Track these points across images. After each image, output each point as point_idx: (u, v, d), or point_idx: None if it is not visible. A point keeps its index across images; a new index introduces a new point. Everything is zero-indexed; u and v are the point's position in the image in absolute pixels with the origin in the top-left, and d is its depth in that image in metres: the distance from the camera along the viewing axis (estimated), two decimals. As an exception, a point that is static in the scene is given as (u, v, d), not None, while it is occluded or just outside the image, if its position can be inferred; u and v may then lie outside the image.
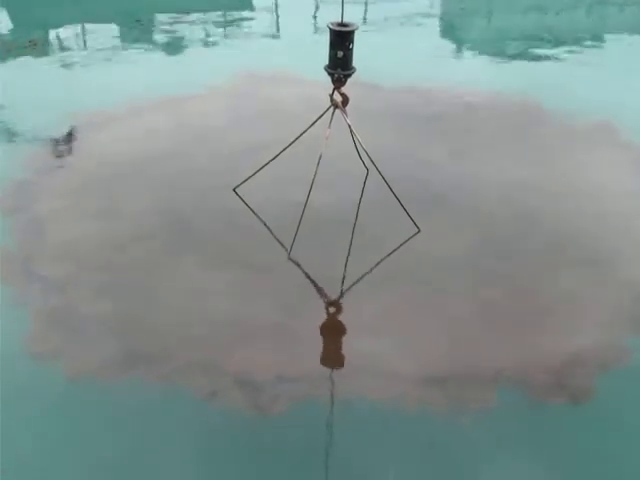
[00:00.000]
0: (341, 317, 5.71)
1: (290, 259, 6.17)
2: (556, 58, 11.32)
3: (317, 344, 5.47)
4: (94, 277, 5.91)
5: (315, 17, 13.05)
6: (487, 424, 4.76)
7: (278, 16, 13.14)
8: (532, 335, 5.48)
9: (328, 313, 5.73)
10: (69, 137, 8.21)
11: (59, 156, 7.84)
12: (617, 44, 12.21)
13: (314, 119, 6.52)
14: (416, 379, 5.07)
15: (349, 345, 5.45)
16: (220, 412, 4.78)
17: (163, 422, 4.72)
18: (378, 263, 6.19)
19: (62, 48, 11.09)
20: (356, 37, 6.02)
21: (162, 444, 4.59)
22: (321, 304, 5.80)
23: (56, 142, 8.08)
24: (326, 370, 5.26)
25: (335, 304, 5.81)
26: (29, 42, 10.96)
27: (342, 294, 5.90)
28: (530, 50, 11.60)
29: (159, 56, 10.87)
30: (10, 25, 12.18)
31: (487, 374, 5.12)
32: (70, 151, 7.96)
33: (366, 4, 13.74)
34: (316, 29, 12.41)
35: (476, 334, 5.46)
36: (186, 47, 11.28)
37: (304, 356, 5.27)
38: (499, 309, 5.72)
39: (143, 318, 5.52)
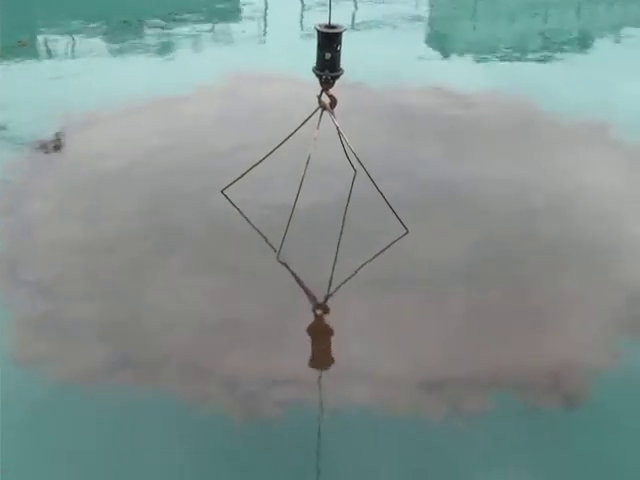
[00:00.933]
0: (332, 319, 5.69)
1: (279, 261, 6.16)
2: (548, 58, 11.34)
3: (308, 347, 5.45)
4: (82, 280, 5.86)
5: (302, 18, 13.04)
6: (483, 428, 4.72)
7: (266, 17, 13.13)
8: (528, 338, 5.46)
9: (318, 316, 5.72)
10: (57, 138, 8.16)
11: (47, 157, 7.78)
12: (610, 44, 12.26)
13: (303, 120, 6.51)
14: (410, 382, 5.03)
15: (341, 348, 5.41)
16: (211, 416, 4.73)
17: (153, 427, 4.68)
18: (366, 263, 6.18)
19: (50, 48, 11.04)
20: (345, 38, 6.01)
21: (153, 449, 4.54)
22: (311, 306, 5.78)
23: (44, 143, 8.02)
24: (318, 374, 5.24)
25: (325, 306, 5.80)
26: (18, 42, 10.92)
27: (332, 296, 5.88)
28: (522, 50, 11.63)
29: (147, 57, 10.82)
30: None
31: (482, 377, 5.10)
32: (58, 152, 7.91)
33: (355, 5, 13.74)
34: (304, 30, 12.39)
35: (471, 337, 5.44)
36: (174, 48, 11.24)
37: (295, 360, 5.24)
38: (495, 311, 5.70)
39: (131, 322, 5.47)
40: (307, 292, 5.92)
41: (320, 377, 5.22)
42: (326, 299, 5.86)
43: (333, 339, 5.52)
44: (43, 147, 7.95)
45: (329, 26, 6.02)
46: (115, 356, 5.15)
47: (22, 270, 5.96)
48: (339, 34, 6.01)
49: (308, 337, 5.53)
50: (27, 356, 5.16)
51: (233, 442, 4.60)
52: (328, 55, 6.04)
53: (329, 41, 6.02)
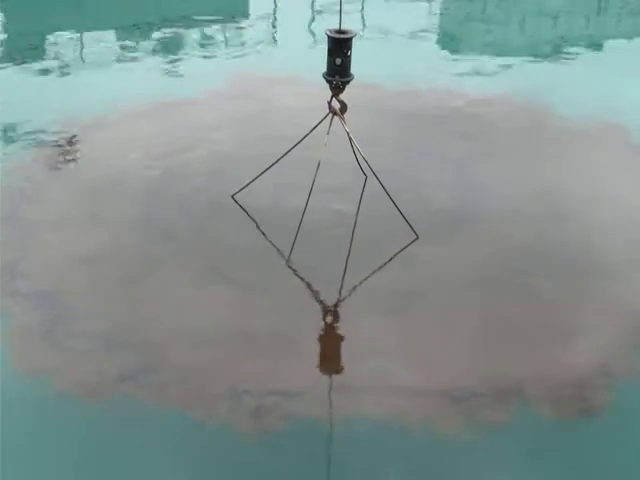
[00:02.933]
0: (343, 329, 5.63)
1: (288, 266, 6.12)
2: (562, 61, 11.27)
3: (318, 358, 5.40)
4: (82, 291, 5.78)
5: (312, 22, 13.02)
6: (500, 441, 4.66)
7: (275, 19, 13.13)
8: (548, 349, 5.38)
9: (328, 325, 5.66)
10: (63, 142, 8.13)
11: (52, 161, 7.71)
12: (624, 46, 12.20)
13: (313, 125, 6.48)
14: (424, 394, 4.95)
15: (352, 359, 5.33)
16: (217, 430, 4.66)
17: (157, 441, 4.60)
18: (376, 270, 6.14)
19: (60, 52, 11.06)
20: (357, 42, 6.00)
21: (156, 463, 4.47)
22: (321, 315, 5.73)
23: (49, 148, 7.98)
24: (328, 386, 5.18)
25: (336, 315, 5.75)
26: (29, 45, 10.96)
27: (342, 304, 5.84)
28: (535, 53, 11.56)
29: (156, 61, 10.82)
30: (10, 28, 12.17)
31: (497, 390, 5.02)
32: (63, 157, 7.84)
33: (363, 8, 13.71)
34: (314, 34, 12.37)
35: (485, 349, 5.36)
36: (183, 52, 11.25)
37: (305, 371, 5.16)
38: (511, 323, 5.61)
39: (135, 333, 5.39)
40: (316, 299, 5.88)
41: (331, 390, 5.14)
42: (336, 306, 5.82)
43: (345, 350, 5.45)
44: (49, 151, 7.92)
45: (339, 31, 6.00)
46: (116, 369, 5.05)
47: (19, 279, 5.87)
48: (350, 39, 5.98)
49: (318, 348, 5.47)
50: (26, 367, 5.08)
51: (241, 456, 4.52)
52: (338, 60, 6.01)
53: (339, 46, 5.99)
